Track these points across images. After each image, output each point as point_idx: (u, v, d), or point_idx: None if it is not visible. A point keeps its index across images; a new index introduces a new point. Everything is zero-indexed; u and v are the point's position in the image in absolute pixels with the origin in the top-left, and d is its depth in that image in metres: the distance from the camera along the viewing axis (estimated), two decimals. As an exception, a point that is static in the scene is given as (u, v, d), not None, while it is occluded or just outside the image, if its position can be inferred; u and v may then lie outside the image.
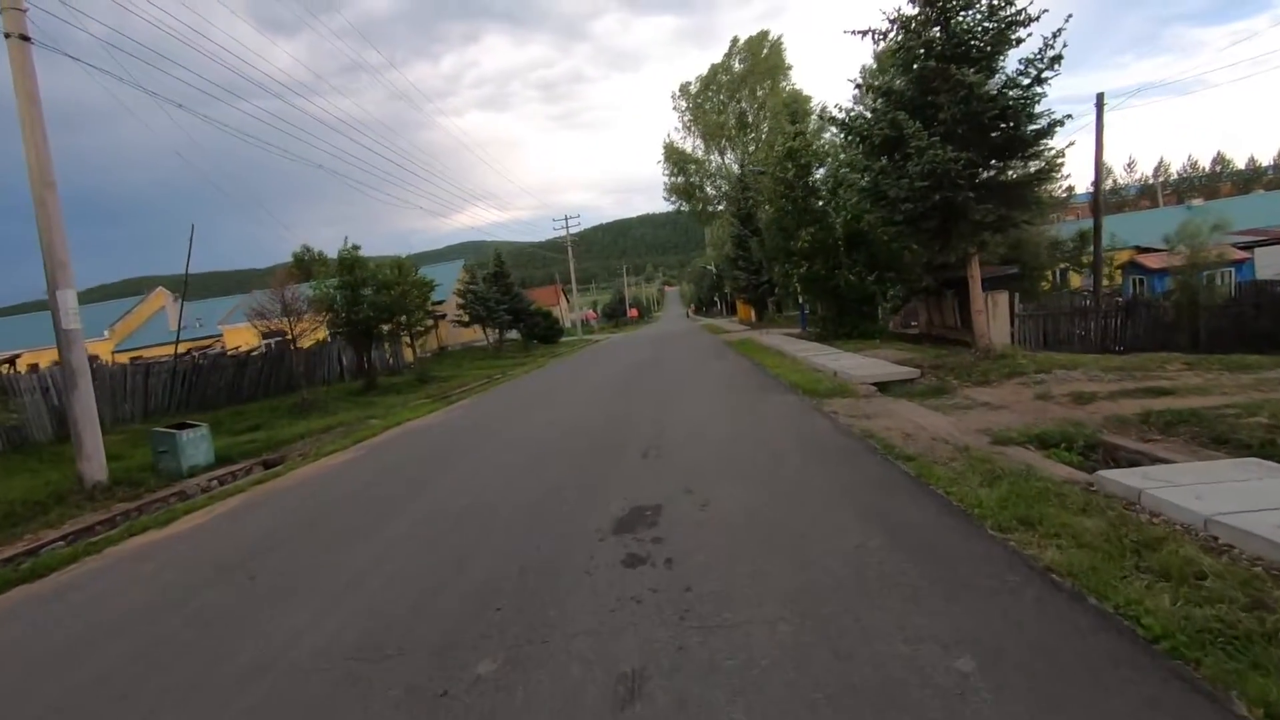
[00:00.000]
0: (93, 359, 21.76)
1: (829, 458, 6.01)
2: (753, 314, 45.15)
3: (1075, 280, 30.07)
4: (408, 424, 12.53)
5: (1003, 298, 17.71)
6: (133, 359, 27.39)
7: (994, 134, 10.37)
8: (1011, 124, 10.07)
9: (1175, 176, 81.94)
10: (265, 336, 20.46)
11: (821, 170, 22.01)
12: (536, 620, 3.33)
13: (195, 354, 19.21)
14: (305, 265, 40.47)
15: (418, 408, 14.89)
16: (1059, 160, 10.36)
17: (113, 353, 35.35)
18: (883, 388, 9.95)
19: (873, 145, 10.96)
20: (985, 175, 10.62)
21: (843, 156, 20.89)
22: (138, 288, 49.10)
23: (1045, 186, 10.99)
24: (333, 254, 20.67)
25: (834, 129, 13.23)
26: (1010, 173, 11.00)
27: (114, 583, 5.02)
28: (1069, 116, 10.15)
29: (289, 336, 17.57)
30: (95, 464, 8.93)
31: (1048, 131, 10.31)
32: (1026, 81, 9.76)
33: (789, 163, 21.20)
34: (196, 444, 10.41)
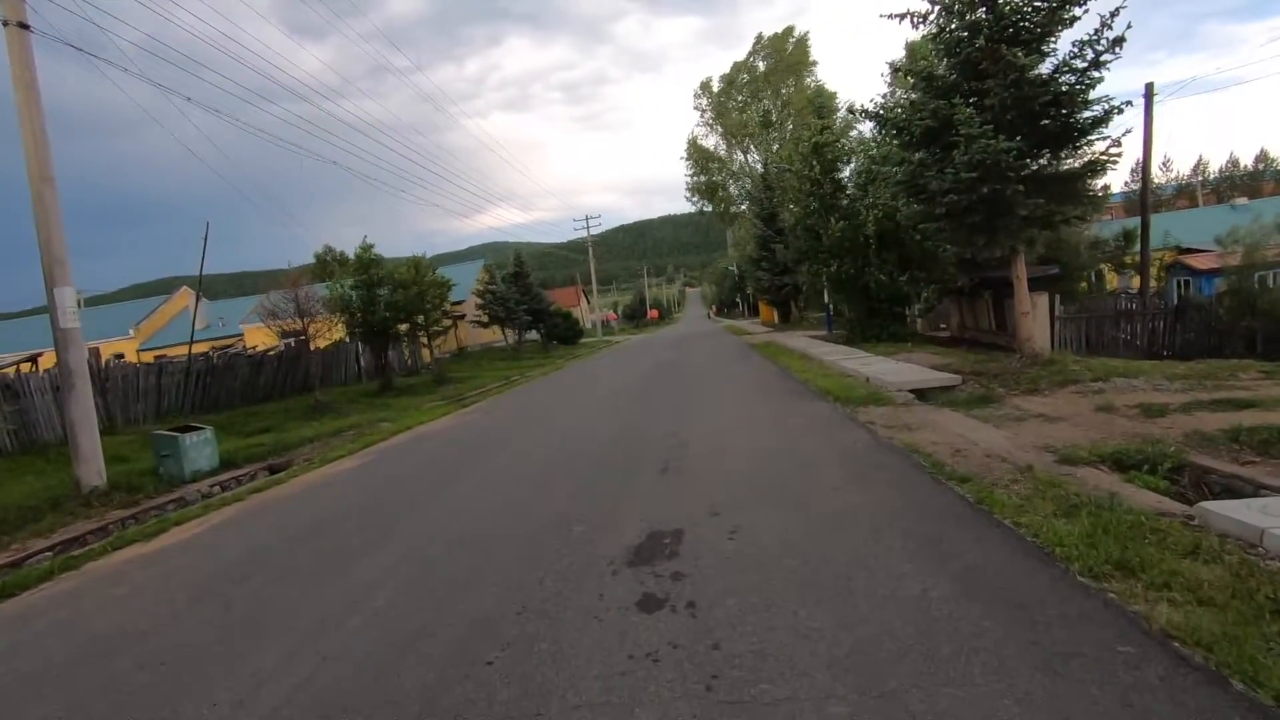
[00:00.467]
0: (117, 357, 21.75)
1: (871, 476, 5.36)
2: (775, 315, 44.27)
3: (1111, 280, 28.79)
4: (418, 428, 12.12)
5: (1042, 299, 16.82)
6: (157, 357, 27.56)
7: (1045, 122, 9.59)
8: (1065, 110, 9.28)
9: (1214, 175, 78.77)
10: (284, 336, 20.28)
11: (850, 166, 21.19)
12: (532, 682, 2.77)
13: (213, 353, 19.04)
14: (328, 265, 40.60)
15: (431, 411, 14.48)
16: (1115, 151, 9.54)
17: (138, 351, 35.77)
18: (921, 395, 9.24)
19: (911, 136, 10.23)
20: (1034, 167, 9.84)
21: (874, 152, 20.10)
22: (170, 287, 49.68)
23: (1096, 180, 10.15)
24: (354, 254, 20.33)
25: (868, 123, 12.49)
26: (1060, 164, 10.21)
27: (80, 609, 4.57)
28: (1128, 103, 9.33)
29: (303, 337, 17.33)
30: (92, 469, 8.60)
31: (1104, 119, 9.51)
32: (1083, 65, 8.97)
33: (814, 159, 20.44)
34: (200, 448, 10.07)
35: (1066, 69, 9.20)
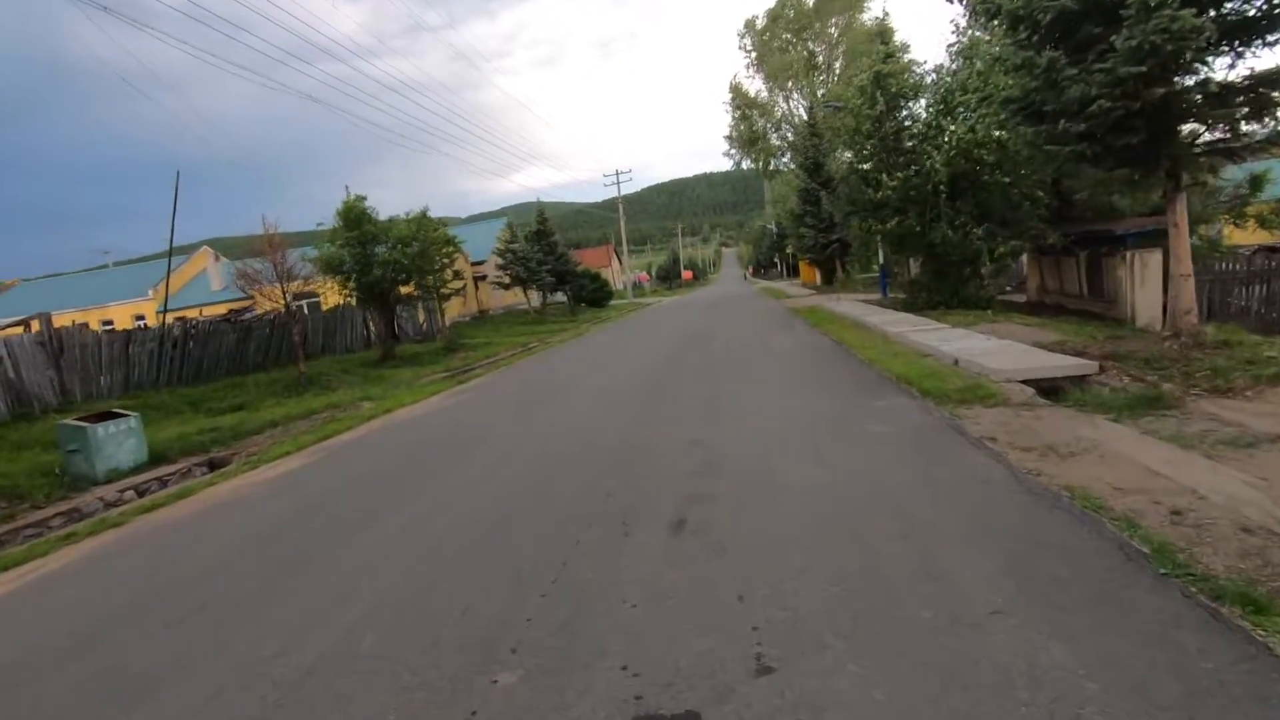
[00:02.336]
0: (138, 319, 20.28)
1: (1048, 573, 2.97)
2: (818, 276, 41.02)
3: (1201, 233, 24.77)
4: (397, 412, 10.16)
5: (1154, 258, 13.92)
6: (177, 318, 26.37)
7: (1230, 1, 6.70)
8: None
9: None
10: (297, 298, 18.47)
11: (917, 104, 17.95)
12: None
13: (199, 318, 17.41)
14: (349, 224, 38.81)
15: (421, 389, 12.49)
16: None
17: (157, 313, 34.92)
18: (1044, 390, 6.71)
19: (1033, 30, 7.41)
20: (1213, 68, 6.98)
21: (949, 80, 16.91)
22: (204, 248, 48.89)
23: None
24: (385, 215, 18.05)
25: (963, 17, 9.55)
26: (1240, 65, 7.29)
27: None
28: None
29: (295, 302, 15.51)
30: (-41, 473, 6.77)
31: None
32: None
33: (876, 90, 17.29)
34: (118, 440, 8.20)
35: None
